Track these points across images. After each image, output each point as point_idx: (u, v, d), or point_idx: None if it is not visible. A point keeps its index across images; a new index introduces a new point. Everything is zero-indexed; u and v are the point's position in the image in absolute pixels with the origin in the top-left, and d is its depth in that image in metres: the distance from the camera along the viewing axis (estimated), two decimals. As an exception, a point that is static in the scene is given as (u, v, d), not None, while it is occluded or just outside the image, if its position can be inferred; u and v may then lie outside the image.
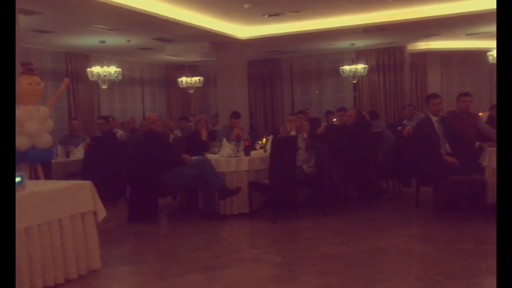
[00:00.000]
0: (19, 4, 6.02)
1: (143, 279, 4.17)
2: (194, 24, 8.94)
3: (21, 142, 5.19)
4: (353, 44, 12.87)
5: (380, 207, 6.73)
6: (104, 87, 11.10)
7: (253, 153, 6.66)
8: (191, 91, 14.36)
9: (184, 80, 13.89)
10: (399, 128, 7.39)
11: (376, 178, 6.97)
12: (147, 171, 6.21)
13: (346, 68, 12.87)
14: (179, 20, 8.53)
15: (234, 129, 7.29)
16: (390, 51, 13.56)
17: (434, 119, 6.23)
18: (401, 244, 4.91)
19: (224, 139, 6.84)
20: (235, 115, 7.58)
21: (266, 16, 9.29)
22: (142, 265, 4.55)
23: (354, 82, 13.50)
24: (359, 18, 9.73)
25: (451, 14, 9.14)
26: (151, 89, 14.83)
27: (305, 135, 6.65)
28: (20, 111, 5.26)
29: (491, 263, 4.29)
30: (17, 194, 3.71)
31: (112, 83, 11.35)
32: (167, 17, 8.22)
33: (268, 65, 14.70)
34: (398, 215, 6.25)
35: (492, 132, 6.21)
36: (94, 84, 11.69)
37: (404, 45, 13.46)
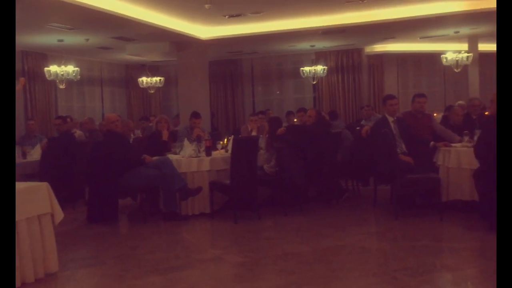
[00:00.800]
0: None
1: (102, 282, 4.12)
2: (155, 24, 8.87)
3: (-26, 143, 5.04)
4: (313, 46, 13.07)
5: (339, 206, 6.85)
6: (61, 86, 10.83)
7: (215, 153, 6.65)
8: (152, 91, 14.21)
9: (144, 80, 13.72)
10: (358, 128, 7.53)
11: (335, 177, 7.10)
12: (107, 172, 6.12)
13: (306, 69, 13.05)
14: (140, 20, 8.46)
15: (194, 129, 7.27)
16: (348, 53, 13.86)
17: (390, 119, 6.39)
18: (360, 242, 5.02)
19: (186, 140, 6.81)
20: (195, 115, 7.56)
21: (226, 16, 9.31)
22: (101, 268, 4.48)
23: (314, 83, 13.71)
24: (319, 20, 9.90)
25: (406, 17, 9.44)
26: (110, 89, 14.57)
27: (266, 135, 6.71)
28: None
29: (446, 259, 4.47)
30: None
31: (71, 82, 11.09)
32: (127, 16, 8.13)
33: (230, 65, 14.73)
34: (357, 214, 6.38)
35: (446, 132, 6.43)
36: (51, 84, 11.41)
37: (362, 47, 13.80)
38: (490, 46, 13.36)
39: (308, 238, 5.23)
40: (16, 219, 3.89)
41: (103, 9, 7.57)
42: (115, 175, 6.10)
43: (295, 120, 9.14)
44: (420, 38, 12.39)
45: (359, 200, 7.24)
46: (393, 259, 4.39)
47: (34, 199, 4.10)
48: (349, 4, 8.73)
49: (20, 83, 5.95)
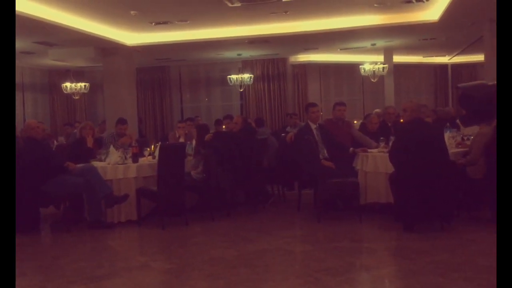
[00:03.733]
0: None
1: None
2: (79, 29, 8.63)
3: None
4: (239, 55, 13.31)
5: (266, 210, 7.01)
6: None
7: (142, 160, 6.59)
8: (77, 97, 13.77)
9: (68, 85, 13.27)
10: (283, 135, 7.76)
11: (262, 182, 7.27)
12: (28, 180, 5.89)
13: (233, 77, 13.24)
14: (63, 24, 8.21)
15: (123, 137, 7.20)
16: (274, 62, 14.25)
17: (313, 126, 6.66)
18: (285, 245, 5.15)
19: (111, 146, 6.71)
20: (122, 121, 7.47)
21: (153, 23, 9.27)
22: (21, 279, 4.28)
23: (241, 90, 13.93)
24: (245, 30, 10.11)
25: (327, 29, 9.88)
26: (32, 95, 13.98)
27: (194, 142, 6.76)
28: None
29: (365, 259, 4.71)
30: None
31: (-12, 87, 10.53)
32: (49, 20, 7.87)
33: (158, 72, 14.63)
34: (282, 217, 6.57)
35: (364, 138, 6.80)
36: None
37: (287, 57, 14.23)
38: (403, 58, 14.29)
39: (234, 243, 5.32)
40: None
41: (24, 13, 7.27)
42: (37, 183, 5.89)
43: (223, 127, 9.26)
44: (340, 49, 13.00)
45: (285, 204, 7.44)
46: (315, 260, 4.56)
47: None
48: (273, 15, 9.00)
49: None
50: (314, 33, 10.05)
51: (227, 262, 4.58)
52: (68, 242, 5.60)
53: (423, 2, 8.35)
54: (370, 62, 12.85)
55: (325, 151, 6.51)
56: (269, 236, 5.58)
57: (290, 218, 6.56)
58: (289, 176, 7.60)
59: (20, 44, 9.84)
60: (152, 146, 7.07)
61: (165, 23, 9.23)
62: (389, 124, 7.48)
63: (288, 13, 8.81)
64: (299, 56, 14.12)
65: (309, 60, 14.25)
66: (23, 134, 7.03)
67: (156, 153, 6.54)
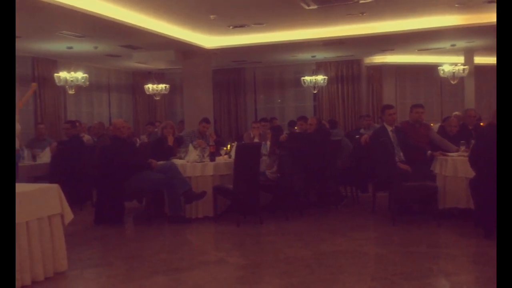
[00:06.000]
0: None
1: (110, 281, 4.21)
2: (161, 33, 9.05)
3: (-12, 145, 5.19)
4: (314, 56, 13.32)
5: (338, 212, 6.99)
6: (71, 92, 11.05)
7: (218, 159, 6.80)
8: (158, 98, 14.45)
9: (150, 87, 13.98)
10: (357, 136, 7.70)
11: (335, 184, 7.26)
12: (114, 175, 6.27)
13: (307, 78, 13.26)
14: (147, 29, 8.63)
15: (202, 137, 7.51)
16: (348, 63, 14.11)
17: (389, 128, 6.56)
18: (358, 247, 5.13)
19: (190, 145, 6.98)
20: (206, 120, 7.83)
21: (231, 27, 9.51)
22: (108, 268, 4.60)
23: (315, 92, 13.92)
24: (320, 32, 10.11)
25: (405, 30, 9.66)
26: (117, 95, 14.81)
27: (268, 142, 6.89)
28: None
29: (442, 264, 4.57)
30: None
31: (79, 88, 11.29)
32: (134, 25, 8.30)
33: (233, 74, 14.97)
34: (356, 220, 6.51)
35: (443, 141, 6.60)
36: (61, 89, 11.61)
37: (362, 58, 14.03)
38: (485, 59, 13.63)
39: (308, 243, 5.36)
40: (28, 219, 4.01)
41: (112, 18, 7.74)
42: (122, 179, 6.26)
43: (295, 128, 9.33)
44: (418, 50, 12.64)
45: (358, 207, 7.36)
46: (390, 264, 4.50)
47: (45, 200, 4.21)
48: (350, 17, 8.94)
49: (31, 88, 6.13)
50: (391, 34, 9.87)
51: (301, 261, 4.63)
52: (150, 235, 5.91)
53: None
54: (450, 63, 12.39)
55: (402, 154, 6.40)
56: (342, 237, 5.57)
57: (364, 221, 6.50)
58: (363, 178, 7.53)
59: (107, 47, 10.49)
60: (228, 146, 7.28)
61: (242, 26, 9.45)
62: (470, 128, 7.21)
63: (364, 14, 8.73)
64: (374, 57, 13.89)
65: (385, 62, 13.97)
66: (110, 132, 7.51)
67: (232, 153, 6.73)
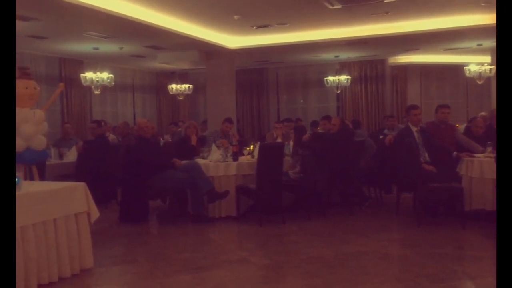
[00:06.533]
0: (17, 10, 6.17)
1: (134, 279, 4.27)
2: (185, 33, 9.14)
3: (17, 143, 5.31)
4: (337, 56, 13.25)
5: (362, 213, 6.96)
6: (96, 92, 11.25)
7: (241, 159, 6.82)
8: (181, 98, 14.58)
9: (174, 87, 14.13)
10: (381, 137, 7.63)
11: (358, 184, 7.22)
12: (138, 174, 6.36)
13: (330, 78, 13.20)
14: (171, 29, 8.73)
15: (225, 137, 7.55)
16: (372, 63, 13.99)
17: (414, 129, 6.49)
18: (382, 248, 5.10)
19: (213, 145, 7.03)
20: (229, 120, 7.89)
21: (254, 27, 9.54)
22: (133, 265, 4.66)
23: (338, 92, 13.85)
24: (343, 32, 10.06)
25: (430, 30, 9.53)
26: (142, 95, 15.02)
27: (292, 142, 6.89)
28: (16, 114, 5.39)
29: (468, 267, 4.50)
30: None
31: (105, 88, 11.49)
32: (159, 26, 8.40)
33: (256, 74, 15.00)
34: (379, 220, 6.47)
35: (469, 142, 6.50)
36: (86, 89, 11.82)
37: (386, 58, 13.89)
38: (512, 59, 13.26)
39: (331, 243, 5.35)
40: (55, 217, 4.09)
41: (137, 19, 7.85)
42: (146, 178, 6.34)
43: (318, 128, 9.30)
44: (443, 50, 12.44)
45: (382, 208, 7.31)
46: (415, 265, 4.46)
47: (71, 198, 4.29)
48: (374, 16, 8.87)
49: (59, 88, 6.25)
50: (416, 34, 9.75)
51: (324, 262, 4.62)
52: (174, 233, 5.97)
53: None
54: (476, 63, 12.18)
55: (426, 155, 6.32)
56: (365, 238, 5.54)
57: (388, 222, 6.45)
58: (388, 179, 7.46)
59: (132, 48, 10.63)
60: (251, 146, 7.30)
61: (265, 26, 9.47)
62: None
63: (389, 13, 8.65)
64: (398, 57, 13.73)
65: (410, 61, 13.80)
66: (134, 132, 7.62)
67: (255, 152, 6.75)
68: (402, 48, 12.29)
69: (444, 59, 13.57)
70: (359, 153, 7.16)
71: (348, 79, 13.25)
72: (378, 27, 9.71)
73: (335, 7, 7.87)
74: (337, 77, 13.22)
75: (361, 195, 7.34)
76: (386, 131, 9.77)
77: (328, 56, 13.06)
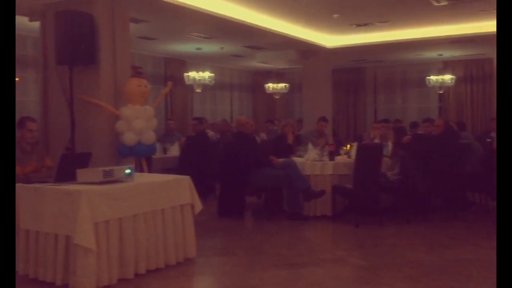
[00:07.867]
0: (130, 13, 6.62)
1: (234, 270, 4.41)
2: (284, 33, 9.25)
3: (129, 138, 5.70)
4: (440, 55, 12.67)
5: (465, 218, 6.63)
6: (198, 90, 11.75)
7: (337, 158, 6.80)
8: (277, 97, 14.77)
9: (271, 86, 14.35)
10: (488, 140, 7.22)
11: (462, 189, 6.88)
12: (237, 170, 6.55)
13: (433, 78, 12.65)
14: (270, 29, 8.88)
15: (322, 136, 7.57)
16: (478, 62, 13.21)
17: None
18: (487, 256, 4.83)
19: (310, 144, 7.06)
20: (324, 119, 7.89)
21: (354, 26, 9.41)
22: (232, 257, 4.83)
23: (440, 92, 13.24)
24: (448, 29, 9.61)
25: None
26: (239, 94, 15.44)
27: (390, 143, 6.72)
28: (129, 110, 5.79)
29: None
30: (127, 184, 4.07)
31: (205, 87, 11.96)
32: (258, 26, 8.58)
33: (353, 73, 14.79)
34: (484, 228, 6.12)
35: None
36: (188, 88, 12.37)
37: (494, 57, 13.00)
38: None
39: (432, 248, 5.18)
40: (163, 207, 4.32)
41: (237, 19, 8.08)
42: (244, 174, 6.51)
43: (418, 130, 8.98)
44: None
45: (487, 214, 6.90)
46: (525, 276, 4.22)
47: (177, 190, 4.50)
48: (482, 13, 8.38)
49: (167, 87, 6.62)
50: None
51: (425, 267, 4.48)
52: (269, 229, 6.08)
53: None
54: None
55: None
56: (469, 245, 5.30)
57: (493, 230, 6.07)
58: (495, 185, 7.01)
59: (232, 48, 10.96)
60: (348, 146, 7.23)
61: (365, 24, 9.31)
62: None
63: (499, 9, 8.13)
64: (509, 56, 12.85)
65: (520, 61, 12.86)
66: (233, 129, 7.86)
67: (352, 152, 6.68)
68: (513, 46, 11.49)
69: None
70: (465, 157, 6.81)
71: (452, 78, 12.62)
72: (486, 24, 9.14)
73: (441, 3, 7.58)
74: (440, 77, 12.64)
75: (465, 200, 6.99)
76: (493, 134, 9.19)
77: (431, 54, 12.54)
